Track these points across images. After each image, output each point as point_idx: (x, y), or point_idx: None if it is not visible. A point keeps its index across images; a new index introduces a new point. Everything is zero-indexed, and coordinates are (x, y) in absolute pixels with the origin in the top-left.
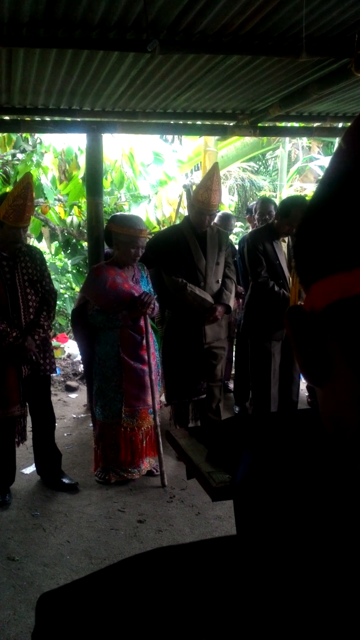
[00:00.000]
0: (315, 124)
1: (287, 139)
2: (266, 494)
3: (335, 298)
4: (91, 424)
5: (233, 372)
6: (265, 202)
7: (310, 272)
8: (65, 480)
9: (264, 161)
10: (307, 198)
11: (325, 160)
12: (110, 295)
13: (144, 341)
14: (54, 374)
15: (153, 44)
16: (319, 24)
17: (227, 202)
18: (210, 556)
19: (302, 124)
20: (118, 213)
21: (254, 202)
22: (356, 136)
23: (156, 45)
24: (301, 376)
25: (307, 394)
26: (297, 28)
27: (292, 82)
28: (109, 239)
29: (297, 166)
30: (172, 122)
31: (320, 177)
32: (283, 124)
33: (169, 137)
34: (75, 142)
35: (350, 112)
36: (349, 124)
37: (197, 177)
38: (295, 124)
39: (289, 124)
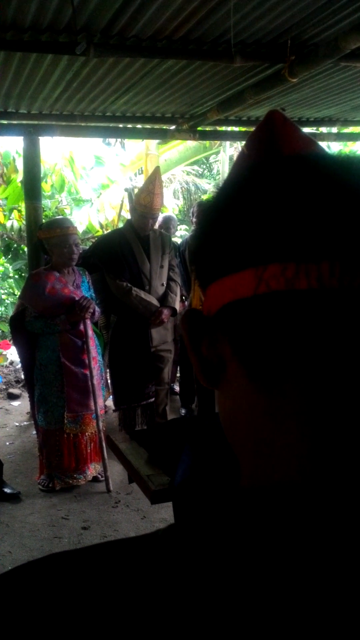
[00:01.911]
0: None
1: (228, 143)
2: (203, 495)
3: (226, 300)
4: (34, 432)
5: (178, 374)
6: (201, 205)
7: (206, 275)
8: (7, 490)
9: (207, 165)
10: None
11: None
12: (49, 301)
13: (85, 346)
14: None
15: (82, 47)
16: (251, 30)
17: (172, 206)
18: (110, 559)
19: (242, 128)
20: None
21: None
22: (256, 143)
23: (84, 47)
24: None
25: None
26: (231, 34)
27: (229, 86)
28: (43, 248)
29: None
30: (111, 125)
31: None
32: (223, 128)
33: (112, 140)
34: (12, 145)
35: (288, 117)
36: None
37: (140, 181)
38: (236, 128)
39: (229, 128)
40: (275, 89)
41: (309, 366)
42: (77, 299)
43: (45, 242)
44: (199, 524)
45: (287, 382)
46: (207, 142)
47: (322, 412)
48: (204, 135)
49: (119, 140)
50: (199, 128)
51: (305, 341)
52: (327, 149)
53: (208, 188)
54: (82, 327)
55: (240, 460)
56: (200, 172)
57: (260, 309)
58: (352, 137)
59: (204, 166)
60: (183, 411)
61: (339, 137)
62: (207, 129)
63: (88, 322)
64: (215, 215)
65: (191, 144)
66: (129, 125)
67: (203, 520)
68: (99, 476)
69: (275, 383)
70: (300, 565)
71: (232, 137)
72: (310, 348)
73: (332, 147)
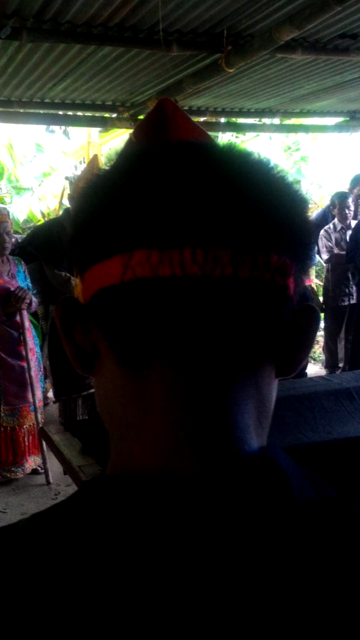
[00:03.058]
0: (202, 119)
1: None
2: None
3: (97, 287)
4: None
5: None
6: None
7: (82, 262)
8: None
9: None
10: None
11: None
12: None
13: (22, 337)
14: None
15: (6, 31)
16: (186, 18)
17: None
18: None
19: (195, 119)
20: None
21: None
22: (145, 129)
23: (9, 32)
24: None
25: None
26: (167, 21)
27: (168, 75)
28: None
29: None
30: (51, 112)
31: None
32: None
33: (56, 128)
34: None
35: (228, 107)
36: (233, 119)
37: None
38: None
39: None
40: (214, 79)
41: (172, 353)
42: (12, 289)
43: None
44: (59, 514)
45: (153, 367)
46: None
47: (184, 396)
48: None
49: (62, 128)
50: (140, 117)
51: (168, 328)
52: (217, 140)
53: None
54: (18, 318)
55: (111, 447)
56: None
57: (126, 296)
58: (292, 129)
59: None
60: None
61: (279, 128)
62: None
63: (25, 313)
64: (89, 202)
65: None
66: (70, 113)
67: (63, 510)
68: (39, 468)
69: (142, 369)
70: (146, 550)
71: None
72: (172, 335)
73: (274, 139)
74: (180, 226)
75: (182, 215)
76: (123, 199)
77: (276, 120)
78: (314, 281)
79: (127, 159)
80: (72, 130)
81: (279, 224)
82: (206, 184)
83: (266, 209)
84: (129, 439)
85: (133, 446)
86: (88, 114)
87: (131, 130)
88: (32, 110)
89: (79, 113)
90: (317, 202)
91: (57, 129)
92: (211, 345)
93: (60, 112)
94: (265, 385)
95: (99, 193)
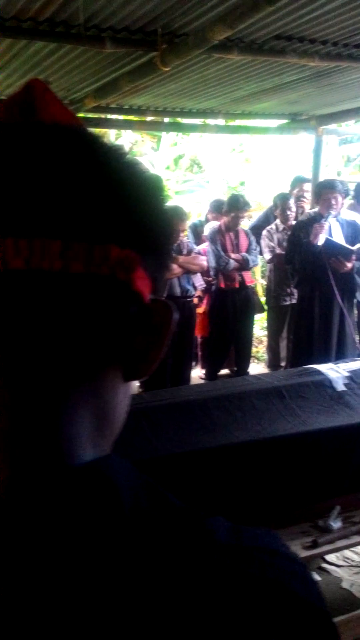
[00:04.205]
0: (149, 118)
1: (114, 132)
2: None
3: None
4: None
5: None
6: None
7: None
8: None
9: None
10: None
11: (154, 155)
12: None
13: None
14: None
15: None
16: (119, 15)
17: None
18: None
19: (136, 118)
20: None
21: None
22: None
23: None
24: None
25: None
26: (99, 18)
27: (104, 73)
28: None
29: None
30: None
31: None
32: (107, 116)
33: None
34: None
35: (170, 107)
36: (178, 119)
37: None
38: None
39: (118, 117)
40: (151, 78)
41: None
42: None
43: None
44: None
45: None
46: (96, 131)
47: (10, 404)
48: (83, 122)
49: None
50: (80, 114)
51: None
52: (85, 127)
53: None
54: None
55: None
56: None
57: None
58: (235, 130)
59: None
60: None
61: (222, 129)
62: (89, 115)
63: None
64: None
65: None
66: None
67: None
68: None
69: None
70: None
71: (113, 125)
72: None
73: (219, 140)
74: (2, 214)
75: (4, 202)
76: None
77: (220, 122)
78: (260, 281)
79: None
80: None
81: (122, 214)
82: (34, 167)
83: (105, 198)
84: None
85: None
86: None
87: None
88: None
89: None
90: (261, 203)
91: None
92: (38, 349)
93: None
94: (108, 391)
95: None
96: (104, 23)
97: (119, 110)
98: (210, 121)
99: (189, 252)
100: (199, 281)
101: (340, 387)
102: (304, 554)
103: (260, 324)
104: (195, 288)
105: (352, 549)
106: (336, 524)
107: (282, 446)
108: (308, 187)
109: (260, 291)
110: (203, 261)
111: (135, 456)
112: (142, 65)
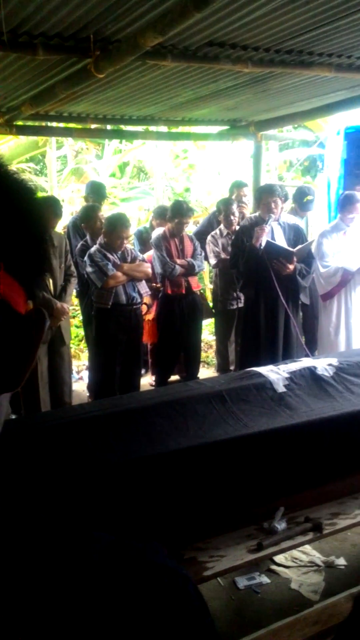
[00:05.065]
0: (93, 126)
1: (55, 140)
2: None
3: None
4: None
5: None
6: None
7: None
8: None
9: (44, 162)
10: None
11: (98, 163)
12: None
13: None
14: None
15: None
16: (51, 21)
17: None
18: None
19: (77, 125)
20: None
21: None
22: None
23: None
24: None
25: None
26: (30, 24)
27: (40, 80)
28: None
29: (70, 168)
30: None
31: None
32: (46, 124)
33: None
34: None
35: (110, 114)
36: (121, 126)
37: None
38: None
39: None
40: (87, 85)
41: None
42: None
43: None
44: None
45: None
46: (39, 139)
47: None
48: (21, 130)
49: None
50: (17, 122)
51: None
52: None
53: (46, 186)
54: None
55: None
56: (39, 170)
57: None
58: (176, 136)
59: (42, 164)
60: (13, 416)
61: (163, 136)
62: (28, 123)
63: None
64: None
65: (23, 139)
66: None
67: None
68: None
69: None
70: None
71: (53, 132)
72: None
73: (162, 147)
74: None
75: None
76: None
77: (163, 128)
78: (209, 286)
79: None
80: None
81: None
82: None
83: None
84: None
85: None
86: None
87: (9, 136)
88: None
89: None
90: (207, 208)
91: None
92: None
93: None
94: None
95: None
96: (36, 29)
97: (59, 118)
98: (152, 128)
99: (134, 259)
100: (144, 288)
101: (280, 388)
102: (249, 557)
103: (209, 328)
104: (141, 295)
105: (300, 548)
106: (281, 526)
107: (224, 450)
108: (247, 191)
109: (209, 296)
110: (147, 268)
111: (77, 467)
112: (77, 72)
